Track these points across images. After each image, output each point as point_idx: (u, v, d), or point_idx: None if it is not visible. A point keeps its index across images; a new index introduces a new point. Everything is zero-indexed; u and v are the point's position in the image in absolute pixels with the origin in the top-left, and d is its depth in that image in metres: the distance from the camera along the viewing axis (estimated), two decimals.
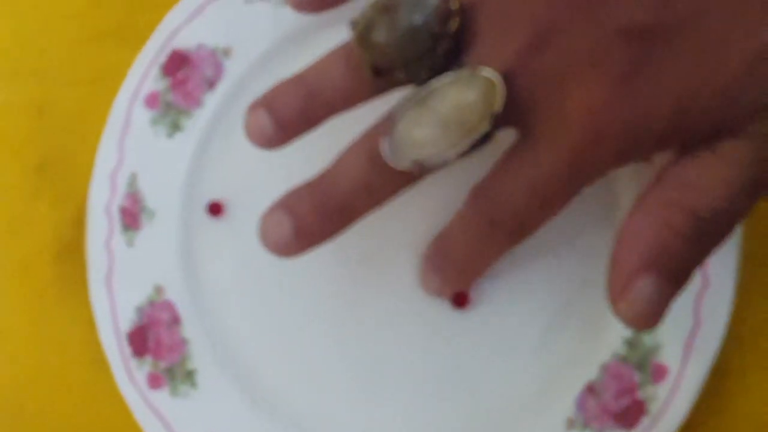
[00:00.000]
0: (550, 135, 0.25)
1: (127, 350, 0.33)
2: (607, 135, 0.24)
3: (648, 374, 0.30)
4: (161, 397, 0.32)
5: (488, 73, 0.25)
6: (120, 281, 0.33)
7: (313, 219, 0.28)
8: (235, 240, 0.33)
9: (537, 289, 0.31)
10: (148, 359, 0.32)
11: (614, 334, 0.30)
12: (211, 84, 0.34)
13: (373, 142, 0.27)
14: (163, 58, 0.34)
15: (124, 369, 0.33)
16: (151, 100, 0.34)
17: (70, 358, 0.34)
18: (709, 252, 0.25)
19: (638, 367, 0.30)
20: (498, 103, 0.25)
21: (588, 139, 0.24)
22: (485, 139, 0.25)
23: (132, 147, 0.34)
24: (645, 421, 0.29)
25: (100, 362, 0.33)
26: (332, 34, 0.32)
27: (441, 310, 0.32)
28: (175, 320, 0.33)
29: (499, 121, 0.25)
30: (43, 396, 0.34)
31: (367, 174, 0.27)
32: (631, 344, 0.30)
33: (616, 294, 0.25)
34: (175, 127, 0.34)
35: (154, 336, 0.33)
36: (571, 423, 0.30)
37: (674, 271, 0.24)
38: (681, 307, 0.29)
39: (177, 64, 0.34)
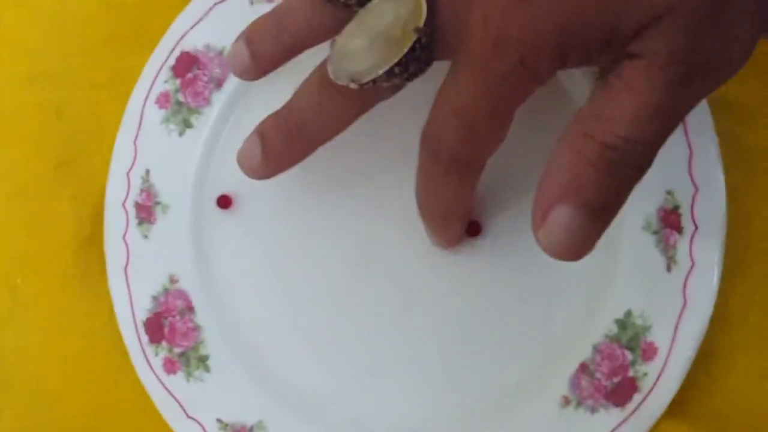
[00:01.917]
0: (464, 56, 0.25)
1: (144, 337, 0.34)
2: (505, 42, 0.23)
3: (639, 353, 0.30)
4: (177, 381, 0.33)
5: None
6: (136, 272, 0.34)
7: (277, 139, 0.31)
8: (244, 231, 0.34)
9: (530, 272, 0.32)
10: (164, 345, 0.34)
11: (606, 316, 0.31)
12: (218, 83, 0.35)
13: (326, 65, 0.29)
14: (172, 60, 0.35)
15: (142, 355, 0.34)
16: (163, 100, 0.35)
17: (91, 346, 0.36)
18: (626, 184, 0.24)
19: (629, 346, 0.31)
20: (422, 17, 0.26)
21: (487, 48, 0.24)
22: (420, 66, 0.26)
23: (145, 145, 0.35)
24: (636, 398, 0.30)
25: (119, 350, 0.34)
26: None
27: (445, 294, 0.33)
28: (189, 308, 0.34)
29: (433, 50, 0.26)
30: (66, 382, 0.36)
31: (318, 93, 0.29)
32: (622, 325, 0.31)
33: (537, 223, 0.24)
34: (185, 125, 0.35)
35: (169, 323, 0.34)
36: (566, 401, 0.31)
37: (590, 202, 0.24)
38: (670, 288, 0.30)
39: (186, 65, 0.35)
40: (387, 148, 0.34)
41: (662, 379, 0.30)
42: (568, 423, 0.31)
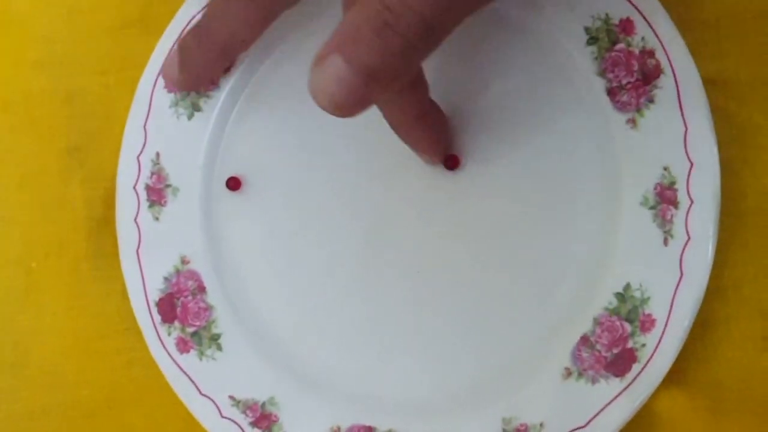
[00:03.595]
0: None
1: (157, 317, 0.34)
2: None
3: (637, 325, 0.31)
4: (190, 359, 0.34)
5: None
6: (148, 254, 0.35)
7: (193, 48, 0.33)
8: (253, 212, 0.35)
9: (532, 250, 0.33)
10: (177, 325, 0.34)
11: (606, 289, 0.32)
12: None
13: None
14: None
15: (155, 335, 0.34)
16: (171, 84, 0.35)
17: (105, 327, 0.36)
18: (395, 52, 0.23)
19: (628, 318, 0.31)
20: None
21: None
22: None
23: (155, 129, 0.35)
24: (635, 368, 0.31)
25: (133, 330, 0.35)
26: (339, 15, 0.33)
27: (450, 272, 0.33)
28: (201, 288, 0.34)
29: None
30: (81, 363, 0.36)
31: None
32: (621, 298, 0.31)
33: (311, 68, 0.24)
34: (194, 109, 0.35)
35: (181, 303, 0.34)
36: (567, 373, 0.32)
37: (360, 58, 0.23)
38: (667, 261, 0.31)
39: None
40: (388, 130, 0.34)
41: (660, 350, 0.31)
42: (570, 393, 0.31)
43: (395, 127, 0.31)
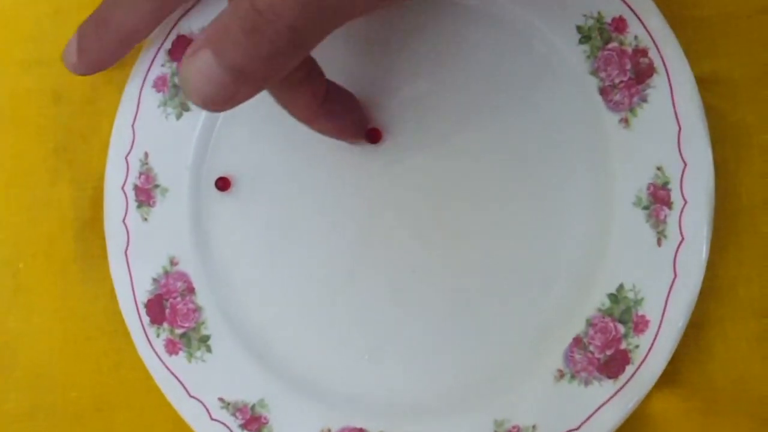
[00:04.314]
0: None
1: (146, 319, 0.34)
2: None
3: (631, 326, 0.31)
4: (178, 361, 0.34)
5: None
6: (137, 255, 0.34)
7: (89, 34, 0.34)
8: (242, 212, 0.35)
9: (525, 250, 0.33)
10: (165, 327, 0.34)
11: (599, 290, 0.32)
12: None
13: None
14: (169, 44, 0.35)
15: (144, 337, 0.34)
16: (160, 84, 0.35)
17: (93, 329, 0.36)
18: (263, 55, 0.24)
19: (622, 319, 0.31)
20: None
21: None
22: None
23: (143, 129, 0.35)
24: (629, 370, 0.31)
25: (122, 332, 0.34)
26: None
27: (440, 273, 0.33)
28: (190, 289, 0.34)
29: None
30: (69, 365, 0.36)
31: None
32: (614, 299, 0.31)
33: (183, 59, 0.24)
34: (183, 108, 0.35)
35: (170, 305, 0.34)
36: (560, 375, 0.31)
37: (228, 56, 0.24)
38: (661, 262, 0.31)
39: (182, 48, 0.35)
40: (382, 128, 0.34)
41: (654, 351, 0.31)
42: (563, 395, 0.31)
43: (302, 121, 0.31)
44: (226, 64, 0.24)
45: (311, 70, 0.29)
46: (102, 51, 0.34)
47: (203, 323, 0.34)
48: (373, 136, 0.34)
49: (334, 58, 0.32)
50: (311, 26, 0.24)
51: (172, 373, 0.34)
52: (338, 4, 0.24)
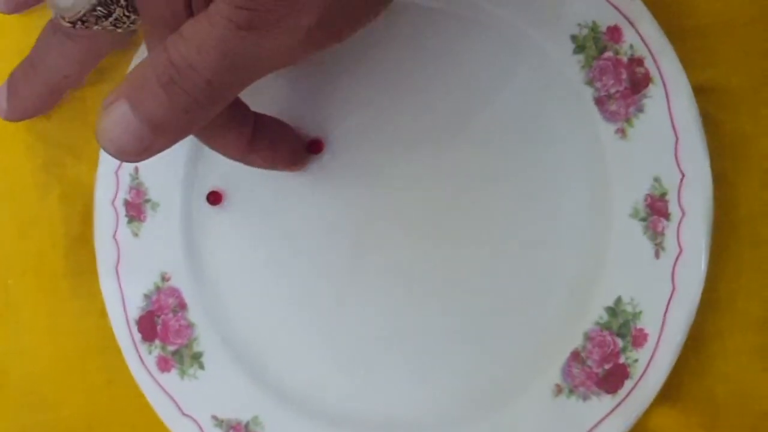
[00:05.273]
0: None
1: (137, 336, 0.34)
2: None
3: (629, 340, 0.30)
4: (171, 379, 0.34)
5: None
6: (128, 271, 0.34)
7: (19, 81, 0.35)
8: (234, 226, 0.34)
9: (521, 263, 0.32)
10: (158, 343, 0.34)
11: (596, 304, 0.31)
12: None
13: None
14: None
15: (136, 354, 0.34)
16: None
17: (84, 346, 0.36)
18: (180, 108, 0.24)
19: (620, 333, 0.31)
20: None
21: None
22: (125, 13, 0.29)
23: None
24: (628, 385, 0.30)
25: (113, 349, 0.34)
26: None
27: (436, 287, 0.33)
28: (182, 305, 0.34)
29: None
30: (60, 383, 0.36)
31: (52, 34, 0.33)
32: (612, 312, 0.31)
33: (102, 109, 0.25)
34: None
35: (162, 321, 0.34)
36: (558, 390, 0.31)
37: (146, 109, 0.24)
38: (659, 274, 0.30)
39: None
40: (376, 140, 0.34)
41: (653, 365, 0.30)
42: (561, 411, 0.31)
43: (234, 160, 0.30)
44: (142, 116, 0.24)
45: (235, 113, 0.29)
46: (32, 97, 0.35)
47: (196, 340, 0.34)
48: (314, 147, 0.33)
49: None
50: (228, 80, 0.24)
51: (165, 391, 0.34)
52: (255, 60, 0.24)
